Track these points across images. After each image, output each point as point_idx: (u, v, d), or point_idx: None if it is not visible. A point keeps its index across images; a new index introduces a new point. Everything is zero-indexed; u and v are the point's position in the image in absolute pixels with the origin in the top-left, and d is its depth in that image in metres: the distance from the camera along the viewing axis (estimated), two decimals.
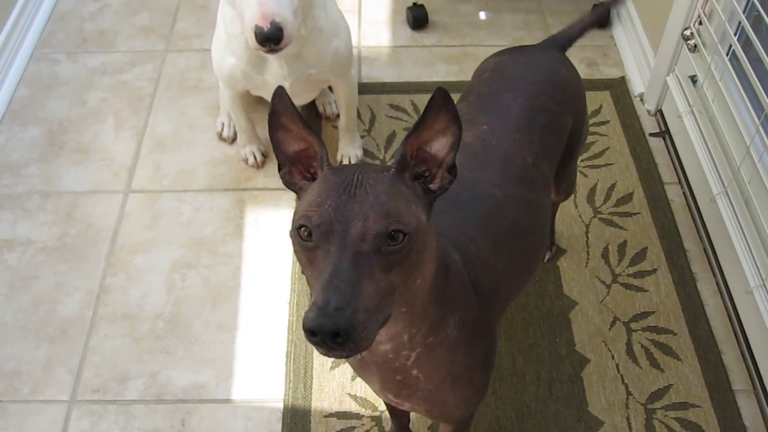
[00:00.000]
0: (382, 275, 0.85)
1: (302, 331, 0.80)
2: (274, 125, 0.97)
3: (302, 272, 0.91)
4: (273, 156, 2.28)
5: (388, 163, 0.94)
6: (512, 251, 1.28)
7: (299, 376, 1.79)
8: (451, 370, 1.14)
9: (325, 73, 1.93)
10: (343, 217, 0.85)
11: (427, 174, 0.96)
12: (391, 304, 0.88)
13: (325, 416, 1.72)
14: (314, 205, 0.87)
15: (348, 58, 1.99)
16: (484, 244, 1.22)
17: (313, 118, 2.38)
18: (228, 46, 1.85)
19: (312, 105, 2.39)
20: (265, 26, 1.52)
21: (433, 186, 0.96)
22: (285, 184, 0.98)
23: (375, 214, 0.85)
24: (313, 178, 0.96)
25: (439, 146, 0.94)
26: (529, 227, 1.33)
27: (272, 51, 1.58)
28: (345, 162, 2.22)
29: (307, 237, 0.87)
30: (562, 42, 1.62)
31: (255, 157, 2.25)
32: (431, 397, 1.18)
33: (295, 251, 0.91)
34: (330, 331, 0.79)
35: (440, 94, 0.88)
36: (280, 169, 0.99)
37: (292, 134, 0.97)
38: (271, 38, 1.53)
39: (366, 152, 2.28)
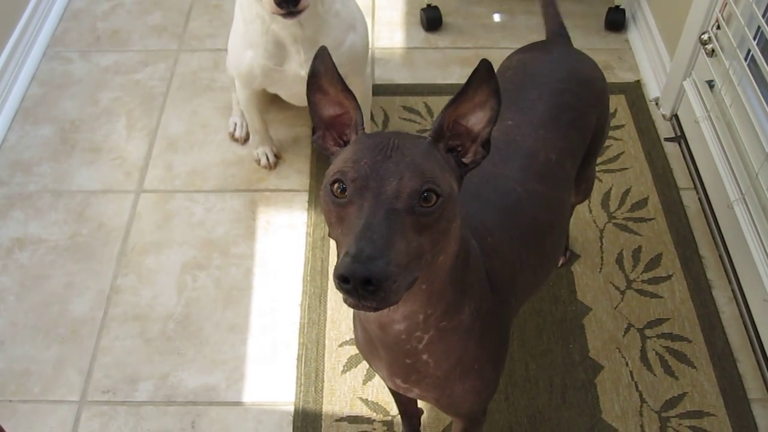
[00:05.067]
0: (414, 235, 0.85)
1: (334, 281, 0.80)
2: (312, 87, 0.97)
3: (329, 234, 0.91)
4: (285, 158, 2.27)
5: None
6: (529, 247, 1.28)
7: (310, 379, 1.78)
8: (461, 359, 1.13)
9: (341, 67, 1.92)
10: (378, 174, 0.85)
11: (460, 148, 0.96)
12: (419, 269, 0.87)
13: (336, 420, 1.71)
14: (350, 161, 0.88)
15: (364, 54, 1.98)
16: (501, 236, 1.22)
17: None
18: (245, 38, 1.85)
19: None
20: None
21: (466, 159, 0.96)
22: (317, 147, 0.99)
23: (410, 173, 0.86)
24: (346, 144, 0.97)
25: (476, 120, 0.94)
26: (548, 224, 1.33)
27: (291, 14, 1.61)
28: None
29: (340, 193, 0.87)
30: (555, 28, 1.63)
31: (267, 158, 2.24)
32: (440, 384, 1.17)
33: (325, 210, 0.90)
34: (363, 277, 0.78)
35: (484, 66, 0.88)
36: (314, 133, 1.00)
37: (329, 98, 0.97)
38: (291, 4, 1.58)
39: None
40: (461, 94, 0.91)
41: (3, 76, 2.39)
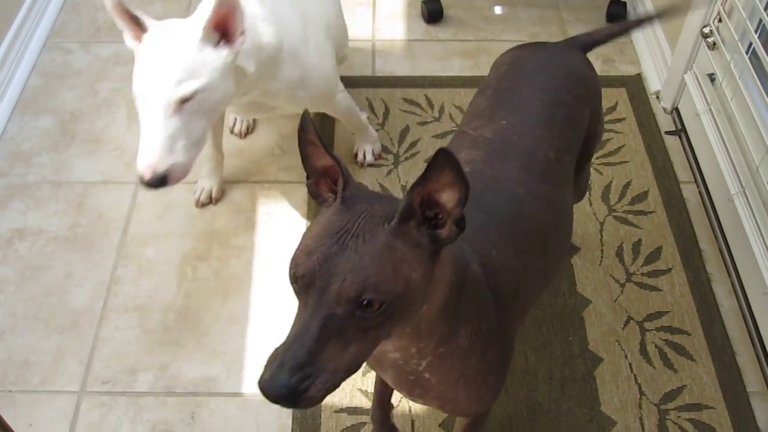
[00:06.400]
0: (357, 335, 0.85)
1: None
2: (302, 140, 0.96)
3: None
4: (286, 149, 2.27)
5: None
6: (535, 252, 1.27)
7: None
8: (464, 374, 1.13)
9: (306, 103, 1.82)
10: (326, 272, 0.85)
11: (440, 216, 0.90)
12: (365, 357, 0.88)
13: (336, 411, 1.71)
14: (305, 252, 0.87)
15: (327, 91, 1.91)
16: (506, 246, 1.20)
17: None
18: None
19: None
20: (146, 176, 1.50)
21: (441, 233, 0.90)
22: (311, 194, 0.97)
23: (352, 276, 0.83)
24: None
25: (447, 197, 0.88)
26: (553, 225, 1.31)
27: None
28: (360, 157, 2.21)
29: (295, 281, 0.88)
30: (584, 43, 1.60)
31: (210, 195, 2.12)
32: (444, 396, 1.17)
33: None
34: (275, 398, 0.83)
35: (442, 157, 0.82)
36: (308, 179, 0.98)
37: (320, 150, 0.95)
38: (153, 186, 1.51)
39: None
40: (424, 178, 0.85)
41: (3, 67, 2.39)
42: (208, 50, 1.49)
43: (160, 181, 1.50)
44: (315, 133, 0.93)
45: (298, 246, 0.91)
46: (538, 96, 1.38)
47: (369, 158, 2.22)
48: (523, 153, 1.31)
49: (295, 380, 0.82)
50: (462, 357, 1.09)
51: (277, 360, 0.83)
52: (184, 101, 1.48)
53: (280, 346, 0.85)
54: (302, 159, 0.97)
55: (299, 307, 0.87)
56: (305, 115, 0.94)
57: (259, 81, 1.67)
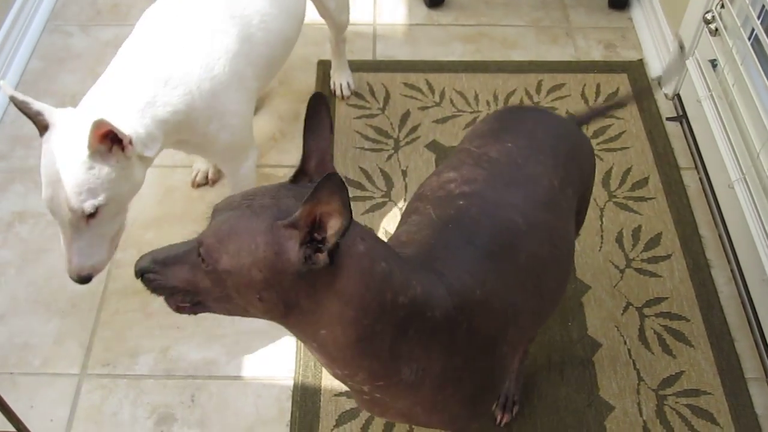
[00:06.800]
0: (201, 275, 0.96)
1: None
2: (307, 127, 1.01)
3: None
4: (286, 132, 2.27)
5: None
6: (527, 290, 1.17)
7: (309, 354, 1.78)
8: (418, 402, 1.09)
9: (215, 155, 1.78)
10: (213, 216, 0.99)
11: (322, 242, 0.88)
12: (205, 298, 0.98)
13: (335, 395, 1.72)
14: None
15: (239, 143, 1.71)
16: (493, 286, 1.11)
17: (328, 95, 2.36)
18: None
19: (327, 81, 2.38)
20: (73, 278, 1.51)
21: (318, 257, 0.89)
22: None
23: (211, 228, 0.96)
24: None
25: (332, 224, 0.86)
26: (550, 260, 1.22)
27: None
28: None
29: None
30: (580, 119, 1.59)
31: (201, 176, 2.13)
32: (405, 415, 1.15)
33: None
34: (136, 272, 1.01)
35: (333, 182, 0.82)
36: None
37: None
38: (82, 283, 1.52)
39: (380, 131, 2.26)
40: (313, 197, 0.84)
41: (3, 50, 2.38)
42: (98, 167, 1.40)
43: (86, 280, 1.52)
44: (329, 119, 1.00)
45: None
46: (541, 128, 1.35)
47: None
48: (527, 178, 1.25)
49: (148, 265, 0.99)
50: (410, 388, 1.05)
51: (150, 254, 0.99)
52: (90, 217, 1.44)
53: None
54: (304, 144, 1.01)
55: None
56: (319, 96, 0.98)
57: (166, 143, 1.56)
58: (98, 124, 1.33)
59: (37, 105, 1.40)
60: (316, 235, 0.88)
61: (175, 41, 1.54)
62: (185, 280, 0.97)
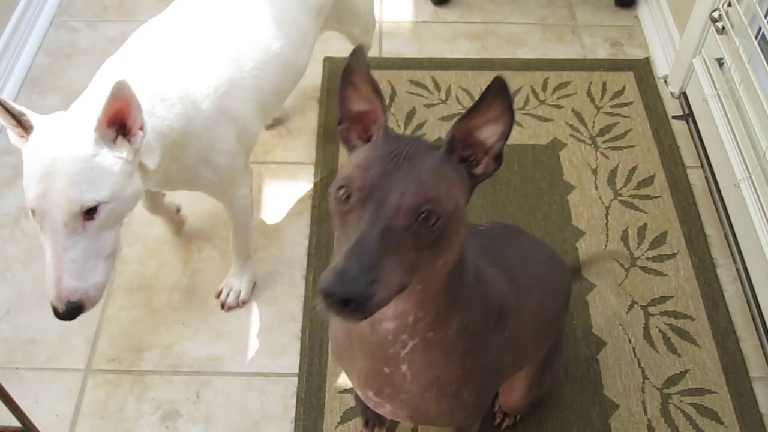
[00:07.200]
0: (410, 252, 0.85)
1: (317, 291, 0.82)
2: (345, 81, 0.98)
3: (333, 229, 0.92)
4: (292, 129, 2.27)
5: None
6: (531, 291, 1.29)
7: (314, 351, 1.79)
8: (440, 377, 1.12)
9: (204, 188, 1.67)
10: (383, 185, 0.85)
11: (472, 158, 0.95)
12: (411, 278, 0.88)
13: (340, 392, 1.72)
14: (360, 168, 0.88)
15: (227, 178, 1.63)
16: (502, 273, 1.22)
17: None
18: None
19: None
20: (60, 309, 1.29)
21: (477, 170, 0.95)
22: (341, 138, 1.00)
23: (413, 188, 0.85)
24: (368, 140, 0.97)
25: (489, 133, 0.93)
26: (552, 285, 1.39)
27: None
28: (223, 296, 1.88)
29: (345, 200, 0.87)
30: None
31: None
32: (414, 402, 1.16)
33: (331, 211, 0.92)
34: (342, 297, 0.79)
35: (498, 83, 0.88)
36: (339, 124, 1.00)
37: (359, 94, 0.98)
38: (68, 318, 1.30)
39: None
40: (474, 108, 0.90)
41: (10, 46, 2.39)
42: (104, 153, 1.27)
43: (76, 311, 1.30)
44: (363, 70, 0.95)
45: (346, 169, 0.91)
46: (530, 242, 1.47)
47: (231, 300, 1.88)
48: (527, 247, 1.41)
49: (365, 281, 0.80)
50: (444, 351, 1.08)
51: (341, 265, 0.80)
52: (87, 218, 1.28)
53: (337, 258, 0.82)
54: (340, 101, 0.99)
55: (351, 223, 0.86)
56: (356, 51, 0.96)
57: (159, 170, 1.44)
58: (116, 95, 1.22)
59: (19, 107, 1.29)
60: (463, 153, 0.94)
61: (171, 64, 1.46)
62: (410, 264, 0.86)
